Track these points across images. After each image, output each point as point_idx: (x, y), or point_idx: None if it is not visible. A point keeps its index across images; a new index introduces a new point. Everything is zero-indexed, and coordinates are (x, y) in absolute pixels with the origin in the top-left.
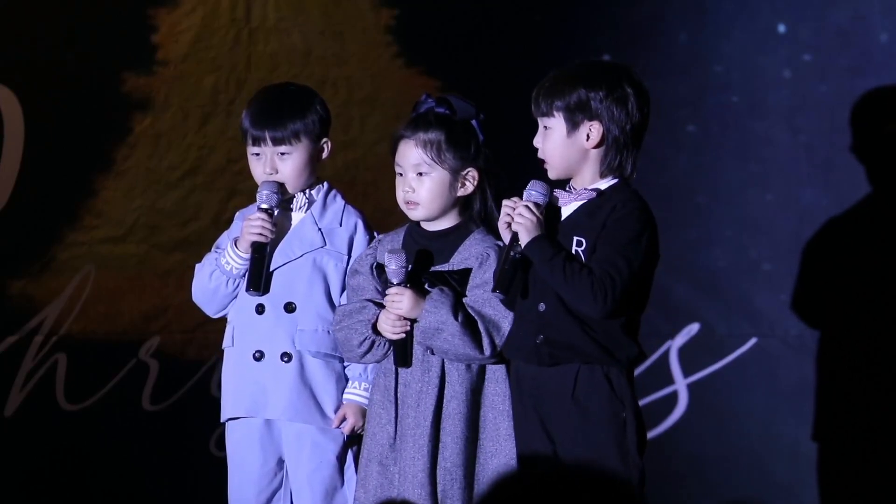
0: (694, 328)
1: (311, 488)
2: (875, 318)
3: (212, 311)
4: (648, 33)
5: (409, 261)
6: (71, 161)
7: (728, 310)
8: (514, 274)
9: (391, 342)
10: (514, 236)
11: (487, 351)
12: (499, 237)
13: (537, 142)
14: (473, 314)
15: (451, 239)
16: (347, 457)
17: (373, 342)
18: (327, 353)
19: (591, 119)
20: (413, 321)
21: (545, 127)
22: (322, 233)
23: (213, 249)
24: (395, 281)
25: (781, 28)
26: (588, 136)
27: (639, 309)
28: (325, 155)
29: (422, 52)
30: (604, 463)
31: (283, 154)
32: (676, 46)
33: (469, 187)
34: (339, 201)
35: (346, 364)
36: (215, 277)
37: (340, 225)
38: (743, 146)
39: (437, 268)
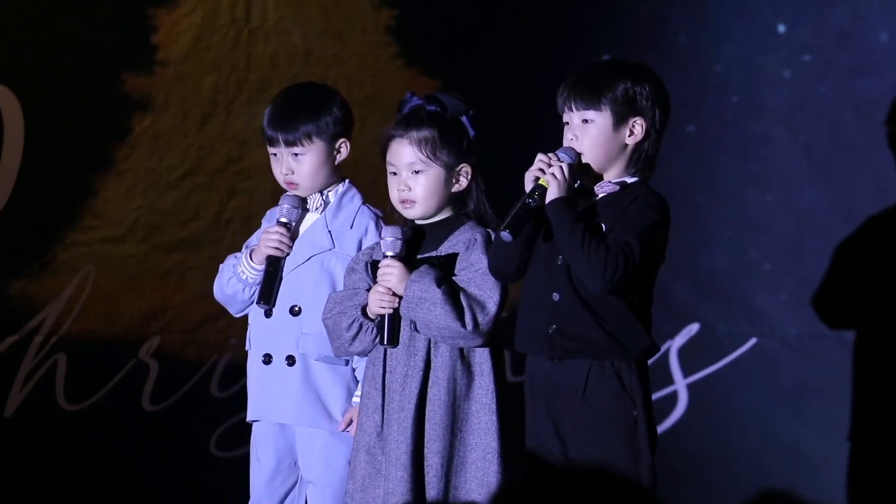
0: (694, 328)
1: (322, 489)
2: (875, 319)
3: (233, 312)
4: (648, 33)
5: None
6: (71, 161)
7: (728, 310)
8: (526, 219)
9: (378, 320)
10: (535, 187)
11: (469, 325)
12: (488, 227)
13: (575, 133)
14: (458, 289)
15: (442, 230)
16: None
17: (361, 325)
18: (330, 357)
19: (636, 114)
20: (401, 300)
21: (584, 120)
22: (331, 235)
23: (243, 248)
24: (389, 253)
25: (781, 28)
26: (631, 132)
27: (649, 301)
28: (342, 156)
29: (422, 52)
30: (614, 463)
31: (296, 155)
32: (676, 46)
33: (463, 183)
34: (356, 202)
35: (354, 367)
36: (232, 284)
37: (351, 227)
38: (743, 146)
39: (426, 255)
